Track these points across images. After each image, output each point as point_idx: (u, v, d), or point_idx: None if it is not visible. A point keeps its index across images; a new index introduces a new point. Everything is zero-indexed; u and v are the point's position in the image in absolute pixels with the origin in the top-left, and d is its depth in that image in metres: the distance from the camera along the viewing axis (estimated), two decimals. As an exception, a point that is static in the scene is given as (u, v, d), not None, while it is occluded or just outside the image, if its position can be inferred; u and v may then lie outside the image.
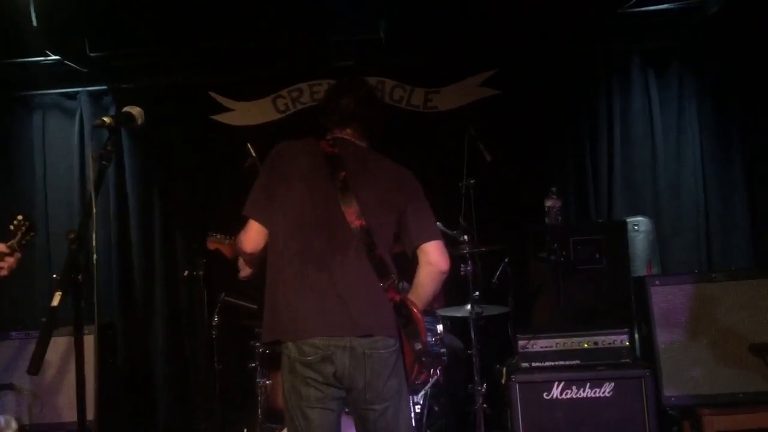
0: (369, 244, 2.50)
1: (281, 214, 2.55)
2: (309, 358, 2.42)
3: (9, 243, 2.85)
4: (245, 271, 2.81)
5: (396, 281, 2.56)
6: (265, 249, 2.59)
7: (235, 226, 5.10)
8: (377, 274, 2.50)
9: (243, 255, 2.70)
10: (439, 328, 4.01)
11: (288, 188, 2.56)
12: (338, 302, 2.44)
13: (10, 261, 2.81)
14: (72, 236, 2.83)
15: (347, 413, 2.65)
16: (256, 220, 2.59)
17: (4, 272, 2.84)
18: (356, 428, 2.58)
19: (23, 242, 2.84)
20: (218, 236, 3.30)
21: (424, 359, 2.57)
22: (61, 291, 1.71)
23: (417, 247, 2.61)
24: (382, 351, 2.47)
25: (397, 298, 2.53)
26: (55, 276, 1.89)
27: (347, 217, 2.50)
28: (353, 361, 2.43)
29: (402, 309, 2.53)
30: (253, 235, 2.60)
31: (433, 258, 2.60)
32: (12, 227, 2.88)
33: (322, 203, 2.53)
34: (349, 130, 2.69)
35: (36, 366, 1.67)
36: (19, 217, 2.91)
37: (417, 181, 2.70)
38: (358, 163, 2.61)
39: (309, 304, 2.45)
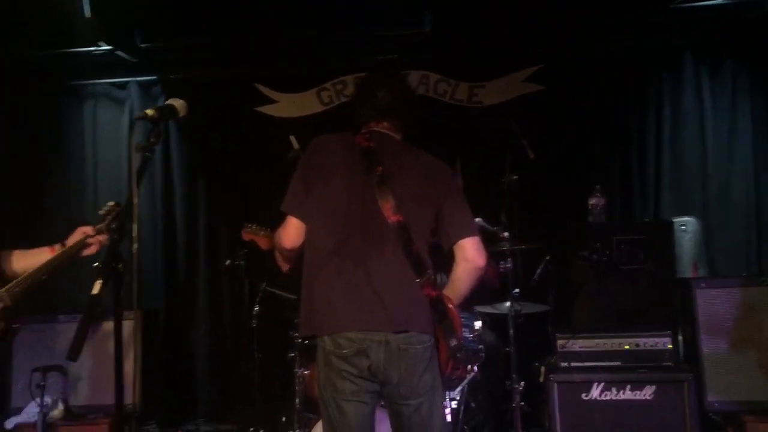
0: (405, 239, 2.49)
1: (318, 209, 2.55)
2: (344, 351, 2.43)
3: (97, 226, 3.03)
4: (283, 265, 2.83)
5: (433, 277, 2.55)
6: (303, 245, 2.60)
7: (275, 218, 5.16)
8: (414, 270, 2.50)
9: (282, 251, 2.70)
10: (477, 324, 3.98)
11: (325, 183, 2.56)
12: (374, 298, 2.45)
13: (99, 238, 3.00)
14: (108, 209, 2.94)
15: (382, 407, 2.66)
16: (294, 215, 2.59)
17: (94, 248, 3.01)
18: (391, 423, 2.58)
19: (112, 226, 2.99)
20: (253, 227, 3.29)
21: (459, 355, 2.56)
22: (101, 279, 1.75)
23: (454, 243, 2.60)
24: (417, 346, 2.47)
25: (434, 293, 2.53)
26: (96, 264, 1.95)
27: (384, 213, 2.50)
28: (388, 356, 2.43)
29: (438, 305, 2.53)
30: (292, 231, 2.60)
31: (470, 254, 2.59)
32: (102, 212, 3.07)
33: (358, 198, 2.53)
34: (385, 124, 2.68)
35: (75, 352, 1.71)
36: (111, 204, 3.09)
37: (454, 175, 2.69)
38: (394, 158, 2.60)
39: (345, 299, 2.46)
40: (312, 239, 2.56)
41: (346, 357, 2.43)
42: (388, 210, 2.50)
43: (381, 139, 2.64)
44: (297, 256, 2.67)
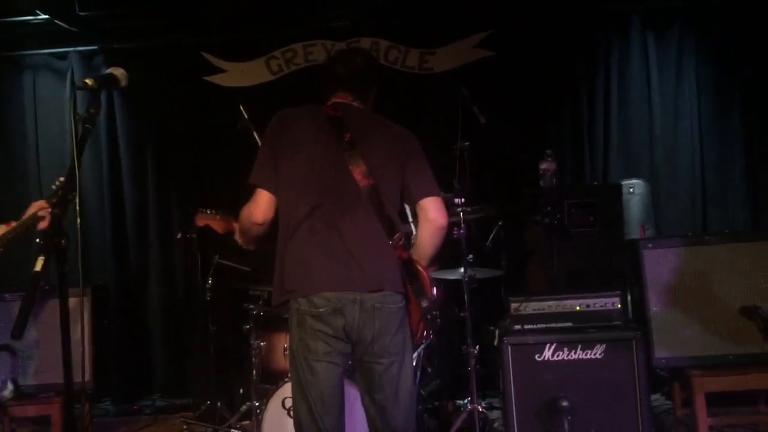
0: (377, 202, 2.55)
1: (289, 179, 2.56)
2: (320, 309, 2.46)
3: (51, 201, 3.09)
4: (247, 245, 2.81)
5: (403, 239, 2.60)
6: (275, 220, 2.60)
7: (227, 190, 5.08)
8: (386, 232, 2.56)
9: (251, 227, 2.66)
10: (433, 290, 4.01)
11: (294, 152, 2.57)
12: (349, 258, 2.49)
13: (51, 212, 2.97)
14: (60, 184, 2.97)
15: (351, 380, 2.68)
16: (265, 188, 2.59)
17: (47, 222, 3.02)
18: (360, 384, 2.62)
19: (53, 200, 3.06)
20: (208, 212, 3.22)
21: (429, 316, 2.60)
22: (44, 255, 1.70)
23: (416, 202, 2.65)
24: (391, 305, 2.52)
25: (405, 255, 2.60)
26: (38, 240, 1.96)
27: (355, 177, 2.54)
28: (363, 314, 2.47)
29: (408, 266, 2.60)
30: (263, 205, 2.59)
31: (432, 214, 2.63)
32: (55, 187, 3.16)
33: (329, 165, 2.56)
34: (347, 95, 2.71)
35: (19, 330, 1.67)
36: (61, 179, 3.09)
37: (416, 139, 2.73)
38: (361, 125, 2.63)
39: (320, 260, 2.49)
40: (284, 209, 2.57)
41: (321, 316, 2.46)
42: (359, 174, 2.54)
43: (346, 109, 2.67)
44: (266, 232, 2.65)
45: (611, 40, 5.34)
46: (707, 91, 5.28)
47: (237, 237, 2.86)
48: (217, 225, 3.16)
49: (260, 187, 2.59)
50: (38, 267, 1.68)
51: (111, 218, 5.49)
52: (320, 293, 2.47)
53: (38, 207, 3.08)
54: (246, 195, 2.66)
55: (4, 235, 3.06)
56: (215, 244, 4.66)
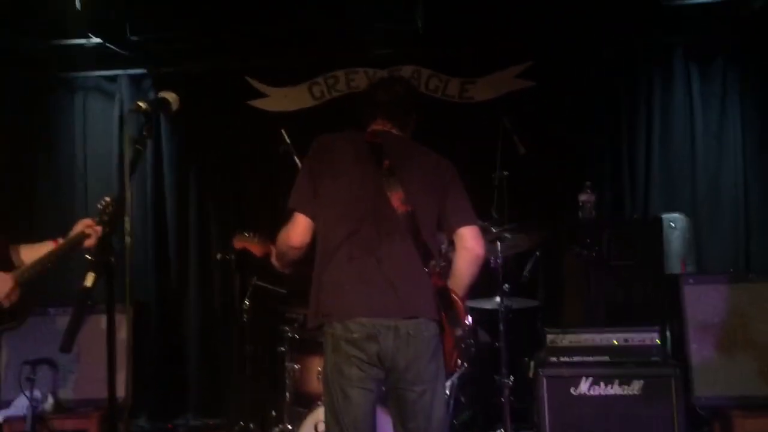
0: (414, 229, 2.56)
1: (328, 203, 2.59)
2: (355, 335, 2.47)
3: (96, 219, 3.17)
4: (283, 268, 2.85)
5: (439, 267, 2.61)
6: (311, 244, 2.64)
7: (267, 213, 5.14)
8: (422, 259, 2.57)
9: (288, 251, 2.70)
10: (468, 319, 4.00)
11: (333, 178, 2.60)
12: (385, 284, 2.50)
13: (98, 230, 3.11)
14: (105, 204, 3.04)
15: (383, 406, 2.68)
16: (303, 213, 2.62)
17: (93, 240, 3.12)
18: (392, 412, 2.61)
19: (104, 219, 3.12)
20: (246, 235, 3.25)
21: (463, 345, 2.60)
22: (94, 272, 1.75)
23: (454, 231, 2.66)
24: (425, 333, 2.52)
25: (440, 283, 2.60)
26: (87, 257, 2.00)
27: (393, 203, 2.56)
28: (397, 341, 2.48)
29: (444, 294, 2.61)
30: (300, 229, 2.63)
31: (469, 243, 2.65)
32: (100, 206, 3.19)
33: (368, 190, 2.59)
34: (387, 123, 2.75)
35: (68, 344, 1.72)
36: (107, 198, 3.17)
37: (454, 168, 2.75)
38: (400, 152, 2.67)
39: (356, 285, 2.50)
40: (323, 233, 2.61)
41: (356, 341, 2.47)
42: (397, 201, 2.56)
43: (386, 136, 2.71)
44: (302, 256, 2.69)
45: (654, 71, 5.30)
46: (751, 127, 5.19)
47: (273, 260, 2.90)
48: (254, 248, 3.20)
49: (298, 212, 2.63)
50: (89, 283, 1.73)
51: (153, 237, 5.60)
52: (355, 319, 2.48)
53: (85, 225, 3.16)
54: (284, 218, 2.70)
55: (52, 251, 3.17)
56: (253, 266, 4.72)
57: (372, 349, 2.47)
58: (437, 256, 2.63)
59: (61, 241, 3.21)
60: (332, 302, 2.53)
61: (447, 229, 2.69)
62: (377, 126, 2.75)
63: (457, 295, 2.65)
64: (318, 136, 2.73)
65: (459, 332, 2.61)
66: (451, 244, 2.71)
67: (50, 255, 3.17)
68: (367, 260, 2.52)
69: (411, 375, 2.51)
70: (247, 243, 3.24)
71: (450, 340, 2.61)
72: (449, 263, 2.74)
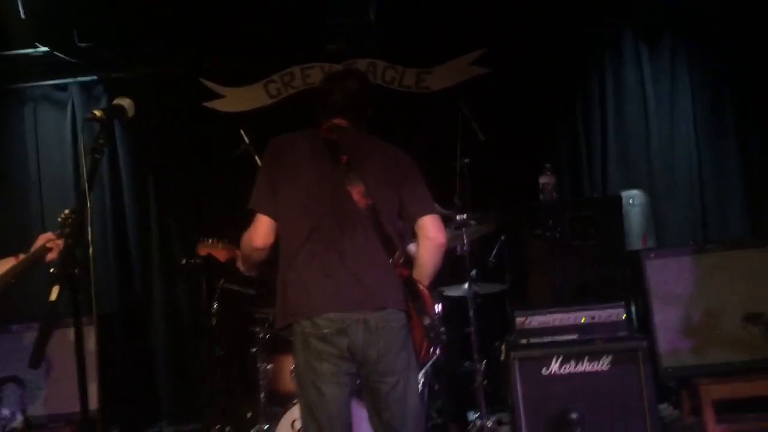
0: (376, 222, 2.57)
1: (288, 202, 2.59)
2: (324, 331, 2.47)
3: (57, 232, 3.13)
4: (248, 272, 2.85)
5: (403, 258, 2.62)
6: (276, 245, 2.63)
7: (229, 214, 5.10)
8: (386, 251, 2.58)
9: (252, 252, 2.69)
10: (438, 307, 4.03)
11: (292, 177, 2.60)
12: (350, 278, 2.51)
13: (59, 243, 3.06)
14: (65, 216, 3.00)
15: (359, 399, 2.70)
16: (265, 213, 2.62)
17: (55, 253, 3.07)
18: (367, 404, 2.63)
19: (66, 231, 3.11)
20: (210, 241, 3.24)
21: (432, 334, 2.62)
22: (58, 285, 1.72)
23: (415, 221, 2.67)
24: (394, 324, 2.54)
25: (406, 273, 2.62)
26: (52, 270, 1.98)
27: (354, 197, 2.57)
28: (367, 334, 2.49)
29: (410, 284, 2.62)
30: (263, 230, 2.62)
31: (431, 232, 2.66)
32: (60, 219, 3.18)
33: (328, 186, 2.59)
34: (342, 120, 2.75)
35: (37, 360, 1.69)
36: (66, 212, 3.16)
37: (412, 159, 2.76)
38: (357, 147, 2.67)
39: (322, 281, 2.51)
40: (284, 233, 2.60)
41: (326, 337, 2.48)
42: (358, 195, 2.57)
43: (341, 132, 2.71)
44: (266, 257, 2.68)
45: (604, 53, 5.40)
46: (702, 101, 5.32)
47: (239, 264, 2.89)
48: (218, 253, 3.19)
49: (259, 212, 2.62)
50: (53, 296, 1.70)
51: (114, 246, 5.51)
52: (323, 314, 2.48)
53: (46, 239, 3.12)
54: (248, 220, 2.69)
55: (14, 267, 3.11)
56: (220, 268, 4.69)
57: (343, 344, 2.48)
58: (401, 248, 2.64)
59: (22, 256, 3.14)
60: (299, 300, 2.53)
61: (408, 220, 2.70)
62: (333, 122, 2.74)
63: (422, 284, 2.67)
64: (273, 138, 2.72)
65: (427, 321, 2.63)
66: (413, 234, 2.73)
67: (12, 271, 3.11)
68: (330, 255, 2.52)
69: (382, 366, 2.53)
70: (211, 249, 3.22)
71: (419, 330, 2.63)
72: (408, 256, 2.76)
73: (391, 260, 2.58)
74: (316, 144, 2.66)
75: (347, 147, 2.64)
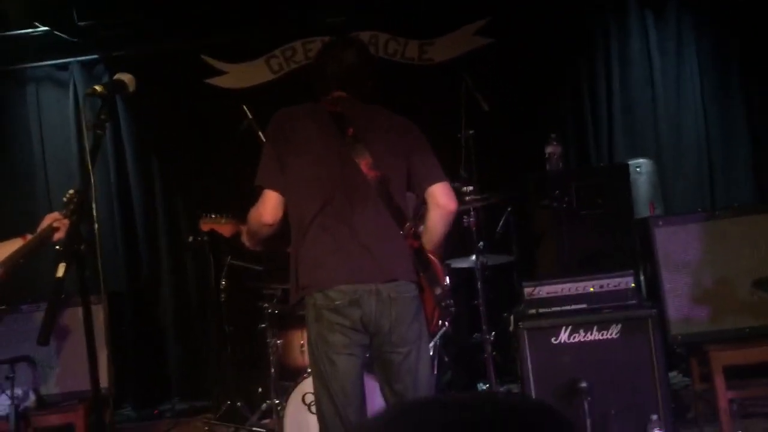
0: (386, 193, 2.56)
1: (296, 177, 2.57)
2: (337, 302, 2.47)
3: (62, 212, 3.13)
4: (254, 246, 2.82)
5: (413, 228, 2.62)
6: (284, 220, 2.61)
7: (234, 190, 5.09)
8: (396, 222, 2.57)
9: (260, 229, 2.65)
10: (446, 278, 4.03)
11: (299, 151, 2.58)
12: (362, 250, 2.50)
13: (66, 222, 3.06)
14: (70, 196, 3.01)
15: (369, 372, 2.71)
16: (272, 188, 2.58)
17: (63, 232, 3.06)
18: (379, 375, 2.64)
19: (70, 207, 3.10)
20: (212, 216, 3.18)
21: (444, 304, 2.61)
22: (64, 262, 1.72)
23: (425, 190, 2.65)
24: (405, 295, 2.54)
25: (416, 244, 2.61)
26: (57, 247, 2.00)
27: (362, 169, 2.55)
28: (379, 305, 2.49)
29: (420, 254, 2.61)
30: (271, 205, 2.59)
31: (441, 200, 2.64)
32: (66, 199, 3.16)
33: (335, 159, 2.57)
34: (342, 92, 2.71)
35: (45, 336, 1.69)
36: (71, 192, 3.14)
37: (418, 128, 2.74)
38: (363, 118, 2.64)
39: (334, 254, 2.50)
40: (294, 208, 2.58)
41: (338, 309, 2.48)
42: (366, 166, 2.55)
43: (345, 104, 2.67)
44: (277, 233, 2.65)
45: (610, 20, 5.33)
46: (708, 68, 5.27)
47: (244, 239, 2.86)
48: (222, 229, 3.16)
49: (267, 188, 2.59)
50: (60, 273, 1.70)
51: (121, 225, 5.52)
52: (336, 287, 2.48)
53: (52, 219, 3.13)
54: (253, 194, 2.67)
55: (22, 247, 3.13)
56: (226, 245, 4.69)
57: (355, 315, 2.48)
58: (411, 218, 2.63)
59: (29, 236, 3.16)
60: (311, 274, 2.53)
61: (417, 189, 2.68)
62: (334, 95, 2.70)
63: (433, 254, 2.66)
64: (276, 112, 2.68)
65: (438, 291, 2.63)
66: (423, 203, 2.71)
67: (20, 251, 3.13)
68: (341, 228, 2.51)
69: (395, 337, 2.53)
70: (214, 224, 3.19)
71: (430, 300, 2.64)
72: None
73: (401, 231, 2.58)
74: (321, 117, 2.63)
75: (353, 119, 2.62)
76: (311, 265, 2.53)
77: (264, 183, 2.60)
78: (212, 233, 3.27)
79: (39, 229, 3.12)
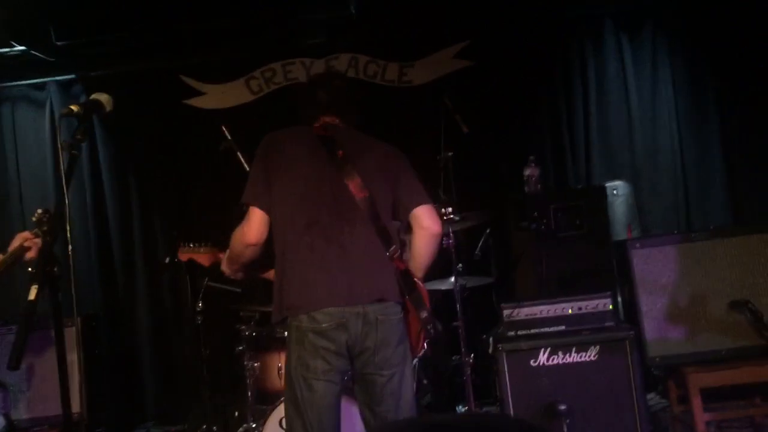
0: (374, 214, 2.57)
1: (283, 195, 2.57)
2: (323, 325, 2.45)
3: (33, 231, 3.09)
4: (235, 274, 2.80)
5: (399, 251, 2.62)
6: (266, 244, 2.60)
7: (212, 212, 5.04)
8: (383, 243, 2.58)
9: (245, 249, 2.62)
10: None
11: (287, 170, 2.58)
12: (351, 272, 2.50)
13: (37, 241, 3.04)
14: (39, 215, 2.97)
15: (349, 398, 2.68)
16: (258, 206, 2.58)
17: (34, 252, 3.05)
18: (360, 397, 2.61)
19: (44, 228, 3.05)
20: (191, 245, 3.16)
21: (429, 328, 2.60)
22: (37, 284, 1.68)
23: (409, 212, 2.67)
24: (392, 317, 2.54)
25: (402, 266, 2.62)
26: (30, 269, 1.95)
27: (351, 190, 2.56)
28: (365, 326, 2.48)
29: (406, 277, 2.62)
30: (257, 224, 2.58)
31: (425, 222, 2.67)
32: (35, 219, 3.08)
33: (324, 179, 2.59)
34: (334, 118, 2.75)
35: (16, 360, 1.65)
36: (39, 211, 3.08)
37: (404, 155, 2.78)
38: (352, 142, 2.68)
39: (321, 275, 2.49)
40: (280, 226, 2.58)
41: (324, 332, 2.46)
42: (355, 187, 2.57)
43: (334, 128, 2.71)
44: (257, 256, 2.63)
45: (585, 43, 5.39)
46: (683, 90, 5.34)
47: (224, 267, 2.84)
48: (201, 258, 3.13)
49: (253, 206, 2.59)
50: (32, 296, 1.66)
51: (96, 246, 5.45)
52: (323, 309, 2.47)
53: (23, 238, 3.08)
54: (233, 215, 2.65)
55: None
56: (204, 267, 4.65)
57: (341, 339, 2.47)
58: (396, 241, 2.63)
59: (0, 256, 3.10)
60: (297, 294, 2.51)
61: (402, 212, 2.69)
62: (324, 120, 2.74)
63: (418, 277, 2.67)
64: (268, 133, 2.70)
65: (424, 314, 2.61)
66: (408, 227, 2.72)
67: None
68: (330, 249, 2.51)
69: (379, 359, 2.52)
70: (193, 254, 3.16)
71: (415, 324, 2.63)
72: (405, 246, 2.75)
73: (387, 253, 2.58)
74: (310, 139, 2.66)
75: (342, 142, 2.65)
76: (298, 285, 2.51)
77: (250, 200, 2.60)
78: (191, 267, 3.22)
79: (10, 249, 3.08)
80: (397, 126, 4.96)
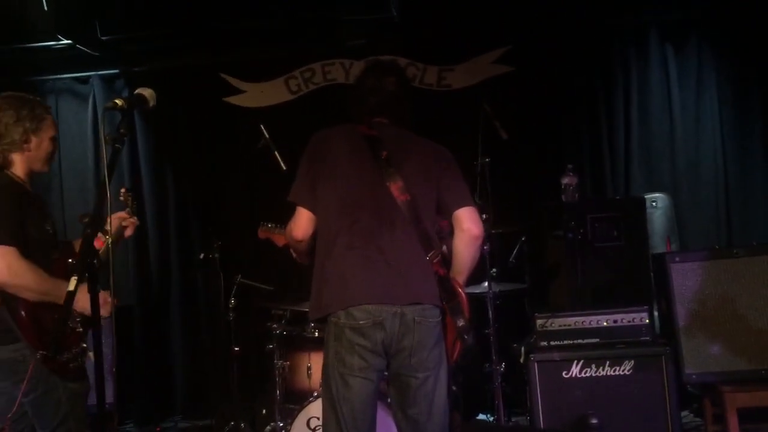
0: (415, 217, 2.57)
1: (327, 195, 2.59)
2: (361, 322, 2.46)
3: (126, 210, 3.08)
4: (300, 259, 2.84)
5: (440, 255, 2.61)
6: (314, 236, 2.64)
7: (247, 209, 5.09)
8: (423, 247, 2.57)
9: (293, 243, 2.72)
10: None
11: (332, 170, 2.61)
12: (388, 271, 2.50)
13: (132, 221, 3.04)
14: (86, 219, 2.97)
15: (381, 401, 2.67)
16: (303, 205, 2.63)
17: (130, 230, 3.04)
18: (394, 398, 2.60)
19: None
20: (269, 225, 3.34)
21: (466, 337, 2.59)
22: (77, 276, 1.70)
23: (451, 214, 2.66)
24: (430, 320, 2.53)
25: (442, 272, 2.60)
26: (70, 261, 1.97)
27: (393, 192, 2.57)
28: (403, 327, 2.48)
29: (446, 283, 2.60)
30: (302, 222, 2.64)
31: (466, 224, 2.64)
32: (121, 198, 3.12)
33: (367, 180, 2.59)
34: (382, 118, 2.75)
35: (53, 349, 1.66)
36: (123, 190, 3.12)
37: (451, 154, 2.76)
38: (397, 143, 2.67)
39: (359, 273, 2.50)
40: (323, 226, 2.61)
41: (361, 329, 2.46)
42: (397, 190, 2.57)
43: (382, 128, 2.71)
44: (308, 248, 2.69)
45: (629, 52, 5.31)
46: (728, 103, 5.23)
47: (292, 251, 2.88)
48: (277, 238, 3.30)
49: (299, 205, 2.65)
50: (71, 287, 1.68)
51: (133, 240, 5.51)
52: (360, 306, 2.47)
53: (120, 218, 3.07)
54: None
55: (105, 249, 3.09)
56: (237, 263, 4.68)
57: (378, 337, 2.47)
58: (437, 245, 2.62)
59: (104, 237, 3.13)
60: (336, 292, 2.52)
61: (445, 213, 2.69)
62: (373, 120, 2.74)
63: (459, 285, 2.64)
64: (315, 132, 2.72)
65: (461, 323, 2.58)
66: (451, 231, 2.71)
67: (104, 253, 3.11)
68: (369, 249, 2.52)
69: (415, 361, 2.51)
70: (270, 233, 3.33)
71: (452, 331, 2.61)
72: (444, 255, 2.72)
73: (428, 257, 2.57)
74: (356, 139, 2.66)
75: (387, 143, 2.65)
76: (337, 283, 2.52)
77: (295, 199, 2.66)
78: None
79: (113, 229, 3.04)
80: (434, 130, 4.86)
